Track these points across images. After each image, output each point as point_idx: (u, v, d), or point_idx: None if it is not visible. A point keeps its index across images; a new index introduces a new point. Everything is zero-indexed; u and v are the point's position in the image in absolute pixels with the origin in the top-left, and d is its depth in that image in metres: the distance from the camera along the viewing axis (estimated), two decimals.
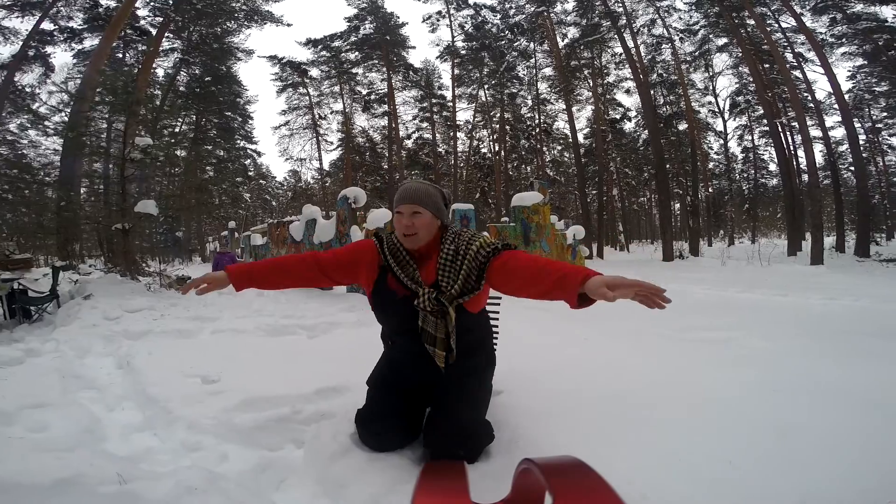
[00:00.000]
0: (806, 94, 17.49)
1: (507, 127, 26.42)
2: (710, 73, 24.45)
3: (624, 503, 0.24)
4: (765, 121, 19.76)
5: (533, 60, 25.07)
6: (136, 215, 6.30)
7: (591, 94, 23.83)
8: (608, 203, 27.63)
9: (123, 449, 1.95)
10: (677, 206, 27.85)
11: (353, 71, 27.22)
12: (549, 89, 25.42)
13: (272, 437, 1.98)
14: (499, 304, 2.32)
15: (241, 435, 2.01)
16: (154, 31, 16.55)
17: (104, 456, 1.78)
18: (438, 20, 25.55)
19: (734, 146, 28.15)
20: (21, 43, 13.90)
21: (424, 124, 28.22)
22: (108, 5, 14.17)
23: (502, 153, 27.00)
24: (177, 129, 24.82)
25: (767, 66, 18.05)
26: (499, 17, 24.97)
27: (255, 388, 2.44)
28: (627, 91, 24.59)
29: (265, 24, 20.54)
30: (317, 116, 28.29)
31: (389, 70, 26.08)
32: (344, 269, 1.71)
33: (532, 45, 24.75)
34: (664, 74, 23.02)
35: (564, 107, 23.30)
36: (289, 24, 20.89)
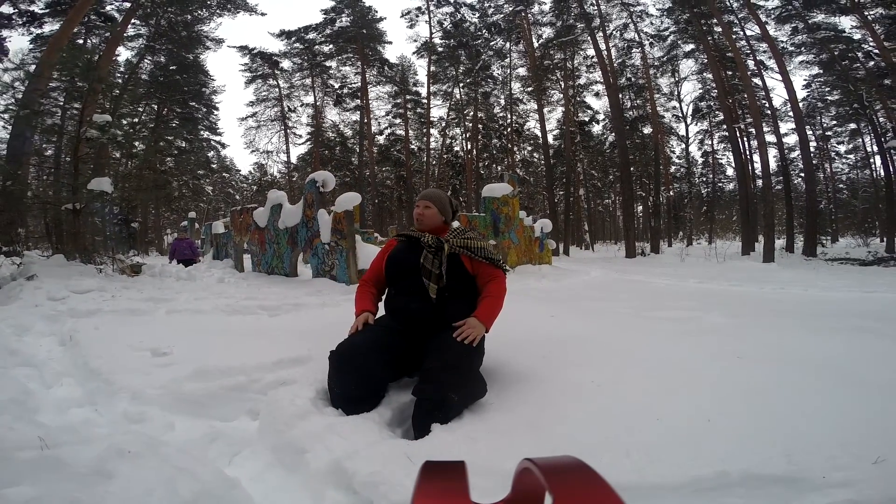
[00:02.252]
0: (764, 101, 18.39)
1: (480, 126, 26.51)
2: (676, 79, 25.33)
3: (624, 503, 0.23)
4: (724, 126, 20.65)
5: (508, 60, 25.24)
6: (89, 195, 5.89)
7: (562, 95, 24.22)
8: (575, 203, 28.19)
9: (56, 421, 1.79)
10: (640, 207, 28.74)
11: (327, 64, 26.60)
12: (521, 89, 25.67)
13: (225, 407, 1.87)
14: None
15: (191, 405, 1.89)
16: (119, 17, 15.63)
17: (31, 424, 1.62)
18: (418, 16, 25.34)
19: (695, 150, 29.37)
20: None
21: (398, 120, 27.95)
22: None
23: (474, 152, 27.07)
24: (135, 120, 23.64)
25: (730, 72, 18.84)
26: (477, 15, 24.99)
27: (209, 359, 2.29)
28: (597, 94, 25.16)
29: (238, 12, 19.72)
30: (286, 109, 27.51)
31: (364, 64, 25.64)
32: (381, 268, 2.11)
33: (508, 44, 24.89)
34: (633, 78, 23.68)
35: (536, 107, 23.58)
36: (263, 14, 20.17)
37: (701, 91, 25.42)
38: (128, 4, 15.29)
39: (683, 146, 28.16)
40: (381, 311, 2.05)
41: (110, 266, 6.77)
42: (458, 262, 1.93)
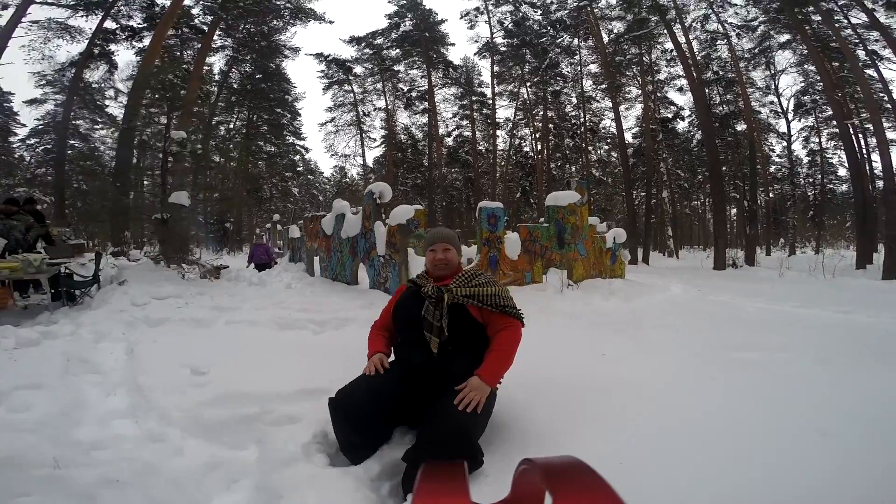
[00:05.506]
0: (882, 94, 15.76)
1: (551, 125, 25.70)
2: (772, 72, 22.58)
3: (624, 503, 0.22)
4: (834, 122, 18.02)
5: (577, 57, 24.19)
6: (172, 206, 6.51)
7: (640, 91, 22.68)
8: (657, 206, 26.25)
9: (92, 435, 1.91)
10: (734, 211, 26.03)
11: (395, 68, 27.40)
12: (594, 87, 24.46)
13: (236, 435, 1.89)
14: None
15: (206, 430, 1.93)
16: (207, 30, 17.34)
17: (63, 440, 1.75)
18: (477, 16, 25.17)
19: (799, 149, 25.99)
20: (87, 41, 14.96)
21: (465, 122, 28.03)
22: (164, 4, 14.92)
23: (545, 152, 26.30)
24: (231, 126, 26.17)
25: (836, 64, 16.42)
26: (539, 13, 24.24)
27: (238, 382, 2.37)
28: (680, 89, 23.15)
29: (309, 21, 21.07)
30: (361, 113, 28.78)
31: (429, 67, 26.06)
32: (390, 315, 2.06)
33: (576, 41, 23.86)
34: (720, 72, 21.51)
35: (611, 105, 22.31)
36: (330, 22, 21.45)
37: (803, 84, 22.48)
38: (210, 17, 16.83)
39: (785, 144, 25.09)
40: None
41: (194, 271, 7.42)
42: (465, 312, 1.80)
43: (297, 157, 31.17)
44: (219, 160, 26.63)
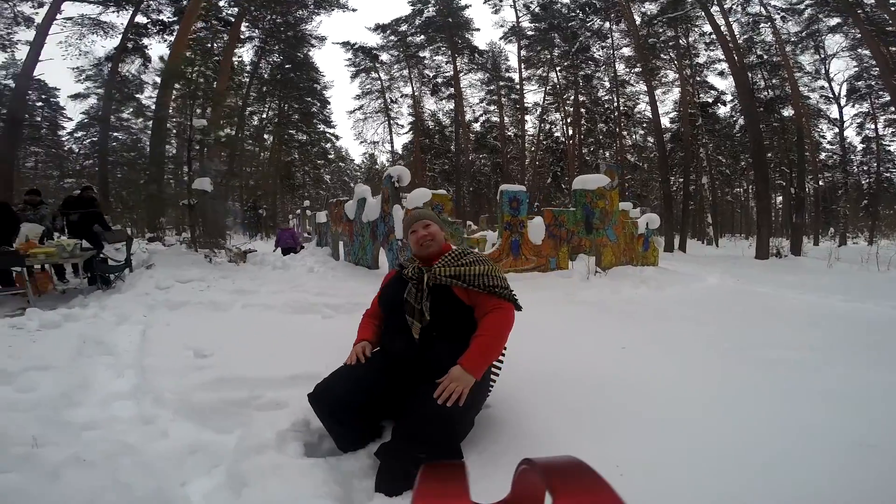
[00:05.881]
0: None
1: (583, 110, 24.84)
2: (822, 56, 20.90)
3: (624, 502, 0.24)
4: (892, 108, 16.50)
5: (609, 41, 23.16)
6: (198, 192, 6.64)
7: (677, 75, 21.52)
8: (697, 192, 25.05)
9: (88, 416, 1.92)
10: (779, 199, 24.53)
11: (421, 55, 27.13)
12: (627, 70, 23.37)
13: (223, 419, 1.86)
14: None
15: (196, 413, 1.91)
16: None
17: (54, 420, 1.76)
18: (501, 0, 24.49)
19: (852, 135, 24.10)
20: (120, 36, 15.49)
21: (492, 107, 27.50)
22: None
23: (577, 137, 25.51)
24: (263, 115, 26.73)
25: (894, 48, 15.04)
26: None
27: (236, 366, 2.34)
28: (721, 73, 21.77)
29: (332, 9, 21.16)
30: (388, 100, 28.73)
31: (454, 53, 25.65)
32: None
33: (607, 24, 22.80)
34: (764, 56, 20.06)
35: (646, 88, 21.30)
36: (353, 10, 21.50)
37: (856, 69, 20.74)
38: (236, 9, 17.06)
39: (836, 131, 23.32)
40: None
41: (223, 255, 7.59)
42: (450, 294, 1.65)
43: (328, 145, 31.55)
44: (253, 149, 27.42)
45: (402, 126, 29.51)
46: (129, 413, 1.95)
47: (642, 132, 26.89)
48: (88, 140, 24.67)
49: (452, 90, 26.31)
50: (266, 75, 23.62)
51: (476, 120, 27.91)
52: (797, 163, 18.24)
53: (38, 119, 24.58)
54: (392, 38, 26.79)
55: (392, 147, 29.78)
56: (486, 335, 1.56)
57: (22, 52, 14.64)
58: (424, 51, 26.96)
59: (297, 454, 1.52)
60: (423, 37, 26.49)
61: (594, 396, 1.99)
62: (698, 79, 22.27)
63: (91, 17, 16.48)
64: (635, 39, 20.62)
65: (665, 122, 22.69)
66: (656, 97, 21.03)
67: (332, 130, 30.00)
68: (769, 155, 18.86)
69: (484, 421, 1.75)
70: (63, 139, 26.11)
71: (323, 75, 27.41)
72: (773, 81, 20.26)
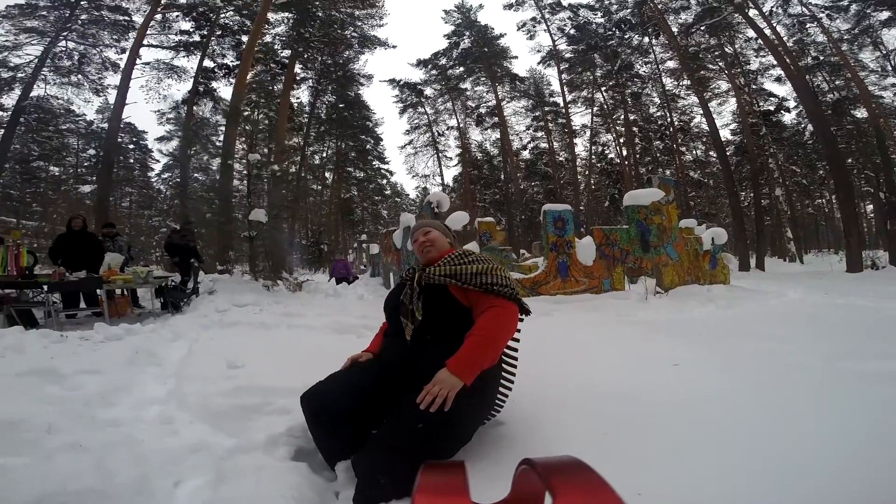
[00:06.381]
0: None
1: (635, 128, 24.07)
2: (883, 52, 18.81)
3: (624, 502, 0.25)
4: None
5: (652, 55, 22.51)
6: (254, 223, 7.09)
7: (730, 85, 20.36)
8: (772, 206, 23.08)
9: (118, 414, 2.01)
10: (869, 207, 21.90)
11: (462, 86, 27.84)
12: (676, 84, 22.47)
13: (234, 423, 1.86)
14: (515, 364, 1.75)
15: (213, 417, 1.93)
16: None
17: (82, 415, 1.85)
18: (535, 26, 24.63)
19: None
20: (192, 80, 17.42)
21: (539, 133, 27.41)
22: None
23: (632, 157, 24.65)
24: (323, 154, 28.53)
25: None
26: (600, 15, 22.97)
27: (261, 377, 2.38)
28: (778, 79, 20.37)
29: (375, 48, 22.60)
30: (435, 134, 29.60)
31: (493, 82, 26.06)
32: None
33: (647, 39, 22.20)
34: (820, 57, 18.48)
35: (698, 101, 20.33)
36: (394, 46, 22.70)
37: None
38: (288, 52, 18.58)
39: None
40: None
41: (282, 283, 7.96)
42: (445, 294, 1.53)
43: (384, 181, 32.85)
44: (315, 186, 29.22)
45: (451, 158, 30.20)
46: (153, 414, 2.00)
47: (702, 147, 25.49)
48: (173, 181, 27.46)
49: (497, 119, 26.63)
50: (323, 115, 25.31)
51: (524, 147, 27.94)
52: (883, 166, 16.38)
53: (132, 161, 27.80)
54: (433, 72, 27.84)
55: (442, 180, 30.42)
56: (478, 335, 1.42)
57: (112, 97, 16.87)
58: (465, 82, 27.69)
59: (282, 457, 1.48)
60: (461, 69, 27.27)
61: (625, 414, 1.74)
62: (754, 86, 20.92)
63: (165, 61, 18.80)
64: (677, 51, 19.94)
65: (726, 134, 21.44)
66: (711, 109, 19.99)
67: (385, 166, 31.29)
68: (849, 161, 17.07)
69: (492, 435, 1.60)
70: (152, 180, 29.30)
71: (374, 113, 28.97)
72: (837, 83, 18.58)
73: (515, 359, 1.68)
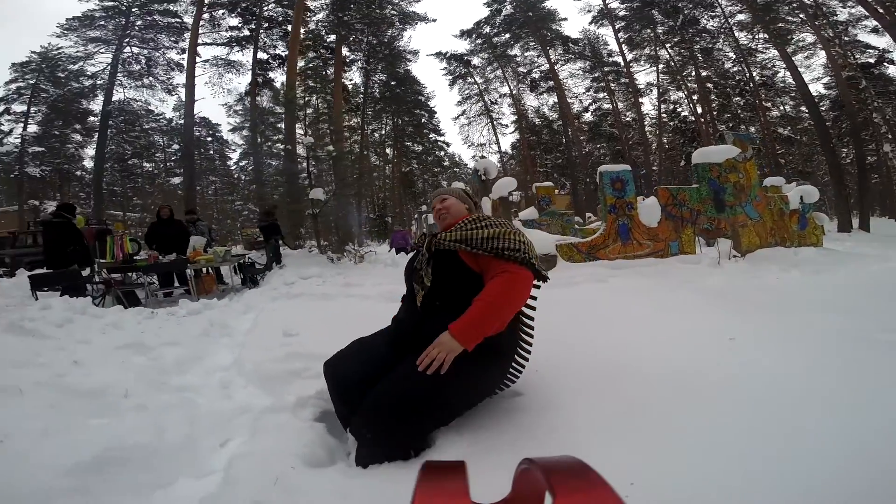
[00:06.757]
0: None
1: (709, 84, 21.74)
2: None
3: (624, 503, 0.25)
4: None
5: (718, 10, 19.92)
6: (315, 202, 7.46)
7: (815, 37, 17.59)
8: (880, 163, 20.07)
9: (187, 381, 2.26)
10: None
11: (511, 53, 26.68)
12: (751, 37, 19.80)
13: (281, 386, 2.00)
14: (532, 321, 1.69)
15: (264, 381, 2.11)
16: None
17: (156, 382, 2.10)
18: None
19: None
20: (250, 72, 18.36)
21: (601, 94, 25.67)
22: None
23: (708, 114, 22.41)
24: (382, 132, 29.04)
25: None
26: None
27: (309, 344, 2.53)
28: (875, 30, 17.31)
29: (416, 23, 22.37)
30: (488, 102, 28.85)
31: (544, 46, 24.62)
32: None
33: None
34: None
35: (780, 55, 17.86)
36: (433, 20, 22.33)
37: None
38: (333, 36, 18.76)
39: None
40: None
41: (347, 256, 8.39)
42: (456, 260, 1.49)
43: (442, 153, 32.82)
44: (378, 163, 29.99)
45: (507, 126, 29.39)
46: (216, 380, 2.22)
47: (791, 102, 22.46)
48: (248, 168, 29.49)
49: (552, 83, 25.30)
50: (377, 94, 25.60)
51: (586, 110, 26.43)
52: None
53: (211, 152, 30.20)
54: (478, 41, 27.02)
55: (499, 147, 29.79)
56: (484, 300, 1.37)
57: (184, 95, 18.35)
58: (513, 48, 26.59)
59: (306, 418, 1.59)
60: (507, 35, 26.15)
61: (653, 394, 1.61)
62: (846, 38, 17.89)
63: (221, 57, 20.04)
64: (746, 3, 17.47)
65: (818, 87, 18.72)
66: (797, 63, 17.50)
67: (441, 138, 31.20)
68: None
69: (501, 407, 1.57)
70: (232, 168, 31.70)
71: (425, 87, 28.74)
72: None
73: (532, 328, 1.63)
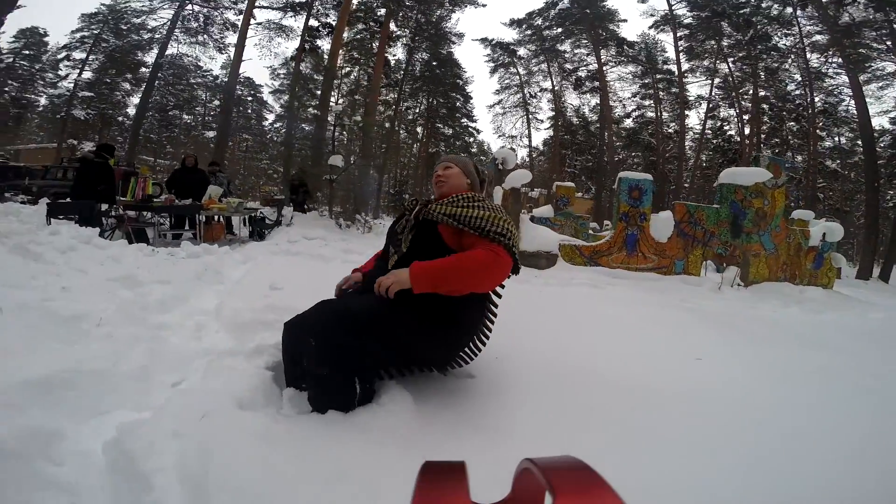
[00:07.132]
0: None
1: (765, 105, 20.88)
2: None
3: (624, 503, 0.25)
4: None
5: (796, 28, 18.91)
6: (334, 168, 7.53)
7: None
8: None
9: (168, 320, 2.32)
10: None
11: (560, 48, 26.05)
12: (823, 61, 18.77)
13: (250, 335, 2.06)
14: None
15: (235, 328, 2.17)
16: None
17: (135, 316, 2.18)
18: None
19: None
20: (299, 38, 18.45)
21: (646, 102, 24.95)
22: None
23: (756, 136, 21.61)
24: (416, 110, 28.94)
25: None
26: None
27: (291, 298, 2.56)
28: None
29: (466, 6, 22.12)
30: (527, 95, 28.37)
31: (596, 45, 23.96)
32: None
33: (789, 9, 18.58)
34: None
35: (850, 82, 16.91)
36: (483, 5, 21.93)
37: None
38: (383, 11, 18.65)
39: None
40: None
41: (356, 225, 8.50)
42: (436, 235, 1.48)
43: (471, 139, 32.57)
44: (408, 141, 30.02)
45: (542, 121, 28.94)
46: (193, 322, 2.30)
47: (849, 134, 21.45)
48: (283, 130, 29.95)
49: (597, 84, 24.69)
50: (417, 72, 25.51)
51: (627, 115, 25.77)
52: None
53: (250, 111, 30.70)
54: (528, 32, 26.43)
55: (530, 141, 29.42)
56: (459, 259, 1.36)
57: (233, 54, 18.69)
58: (563, 44, 25.94)
59: (259, 365, 1.63)
60: (559, 29, 25.54)
61: (608, 401, 1.65)
62: None
63: (275, 21, 20.32)
64: (826, 24, 16.51)
65: (882, 121, 17.71)
66: (867, 93, 16.54)
67: (473, 124, 30.98)
68: None
69: (448, 388, 1.61)
70: (266, 129, 32.19)
71: (464, 71, 28.47)
72: None
73: (494, 314, 1.65)
